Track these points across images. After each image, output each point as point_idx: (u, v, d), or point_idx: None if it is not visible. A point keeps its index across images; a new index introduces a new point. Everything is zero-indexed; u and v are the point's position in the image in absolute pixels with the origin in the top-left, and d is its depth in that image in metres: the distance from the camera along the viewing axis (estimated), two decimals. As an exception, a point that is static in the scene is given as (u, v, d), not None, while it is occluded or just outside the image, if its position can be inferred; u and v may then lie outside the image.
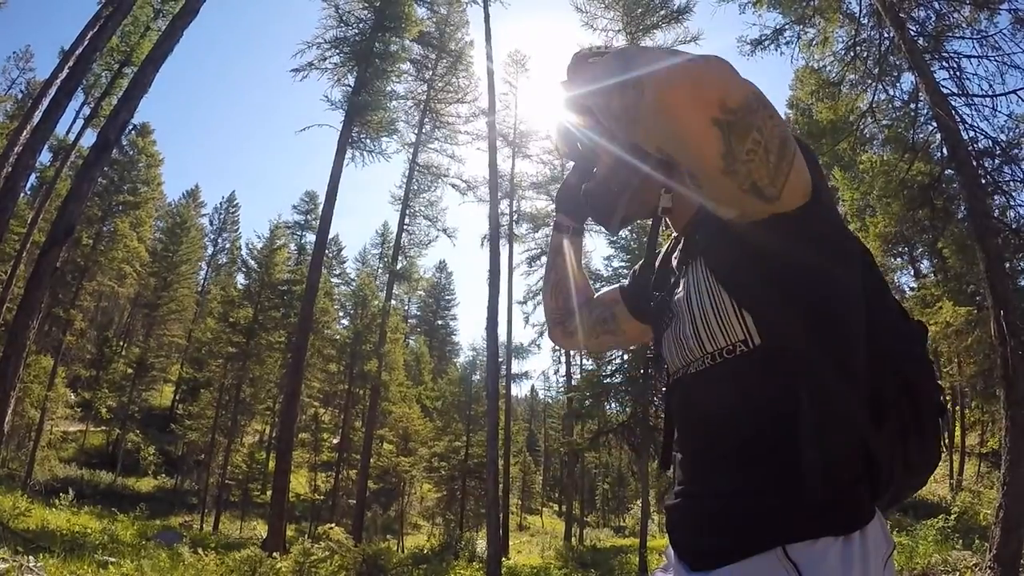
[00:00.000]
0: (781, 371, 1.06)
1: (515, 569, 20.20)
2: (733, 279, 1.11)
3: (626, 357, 20.53)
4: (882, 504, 1.11)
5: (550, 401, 63.40)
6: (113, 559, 10.22)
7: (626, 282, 1.58)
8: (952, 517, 12.37)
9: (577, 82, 1.11)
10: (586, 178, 1.33)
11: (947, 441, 21.31)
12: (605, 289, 1.65)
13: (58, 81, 13.37)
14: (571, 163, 1.43)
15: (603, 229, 1.34)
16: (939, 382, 1.16)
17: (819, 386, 1.03)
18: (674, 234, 1.38)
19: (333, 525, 13.90)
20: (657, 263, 1.43)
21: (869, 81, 12.49)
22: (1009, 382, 8.14)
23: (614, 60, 0.98)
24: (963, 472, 20.04)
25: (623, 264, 21.86)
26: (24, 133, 13.02)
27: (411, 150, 28.73)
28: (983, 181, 9.93)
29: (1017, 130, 11.05)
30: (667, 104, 0.85)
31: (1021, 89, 10.10)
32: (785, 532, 1.01)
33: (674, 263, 1.32)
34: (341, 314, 43.35)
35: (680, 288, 1.25)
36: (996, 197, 10.64)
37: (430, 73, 29.45)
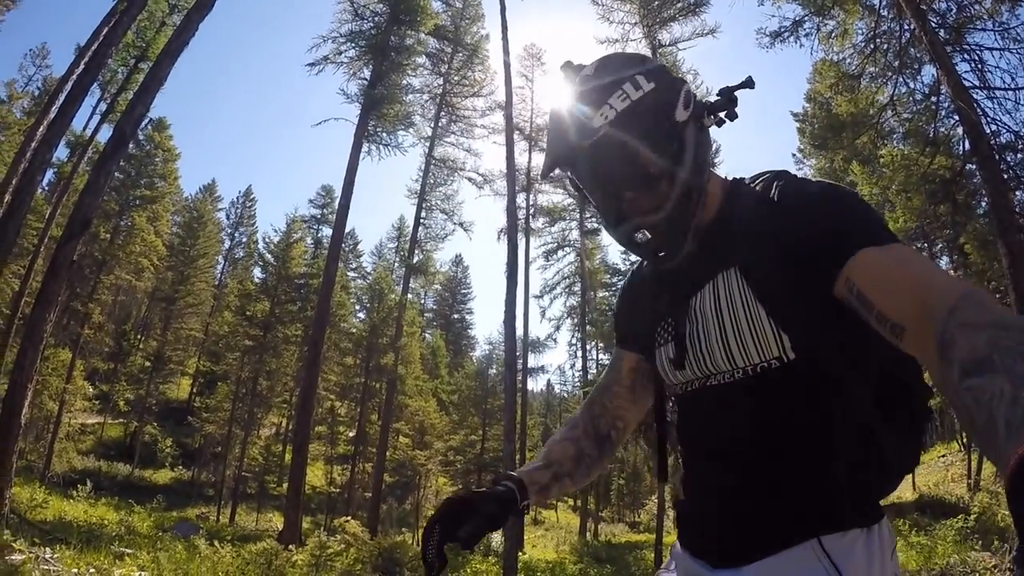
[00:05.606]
0: (812, 386, 1.12)
1: (531, 563, 20.17)
2: (779, 302, 1.12)
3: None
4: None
5: (566, 396, 63.51)
6: (130, 551, 10.30)
7: (619, 346, 1.52)
8: (971, 517, 12.23)
9: None
10: None
11: (964, 440, 21.11)
12: (609, 373, 1.52)
13: (74, 77, 13.46)
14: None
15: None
16: (931, 386, 1.18)
17: (848, 399, 1.11)
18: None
19: (349, 518, 13.93)
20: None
21: (889, 74, 12.36)
22: (1031, 381, 8.01)
23: None
24: (981, 472, 19.76)
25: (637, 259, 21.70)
26: (40, 128, 13.11)
27: (427, 144, 28.79)
28: (1005, 176, 9.78)
29: (1041, 123, 10.88)
30: None
31: (1045, 82, 9.96)
32: (819, 525, 1.10)
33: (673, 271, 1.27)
34: (357, 308, 43.39)
35: (705, 297, 1.22)
36: (1019, 192, 10.51)
37: (446, 67, 29.43)
